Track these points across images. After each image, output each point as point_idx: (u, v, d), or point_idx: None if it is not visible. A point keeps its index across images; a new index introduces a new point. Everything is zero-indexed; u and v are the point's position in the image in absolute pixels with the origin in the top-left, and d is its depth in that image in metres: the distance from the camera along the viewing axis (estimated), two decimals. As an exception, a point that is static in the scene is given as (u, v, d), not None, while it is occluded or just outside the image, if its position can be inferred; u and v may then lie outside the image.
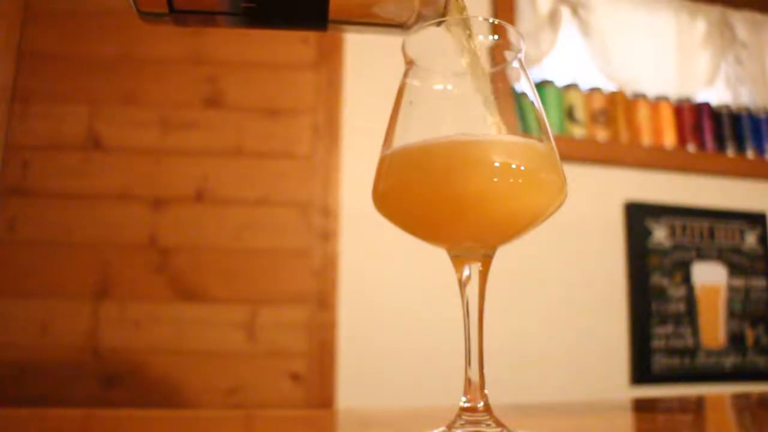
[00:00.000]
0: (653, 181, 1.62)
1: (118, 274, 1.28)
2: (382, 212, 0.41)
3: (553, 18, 1.67)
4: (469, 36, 0.39)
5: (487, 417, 0.37)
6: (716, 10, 1.84)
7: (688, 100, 1.75)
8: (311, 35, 1.43)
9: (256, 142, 1.36)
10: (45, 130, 1.32)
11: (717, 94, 1.84)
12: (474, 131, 0.37)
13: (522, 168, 0.36)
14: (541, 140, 0.39)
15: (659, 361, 1.52)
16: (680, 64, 1.79)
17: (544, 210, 0.38)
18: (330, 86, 1.41)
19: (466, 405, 0.37)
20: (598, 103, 1.65)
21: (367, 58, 1.44)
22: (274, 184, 1.35)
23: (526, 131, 0.39)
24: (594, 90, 1.67)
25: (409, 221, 0.41)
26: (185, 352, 1.26)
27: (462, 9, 0.39)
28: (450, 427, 0.36)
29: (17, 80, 1.33)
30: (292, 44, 1.43)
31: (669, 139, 1.69)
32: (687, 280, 1.59)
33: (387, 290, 1.37)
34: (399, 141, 0.39)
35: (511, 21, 1.56)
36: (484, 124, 0.38)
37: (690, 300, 1.58)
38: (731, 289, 1.62)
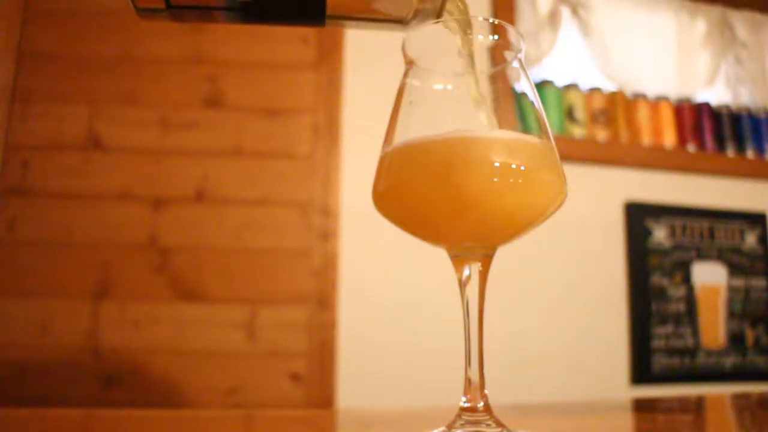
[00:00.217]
0: (653, 181, 1.62)
1: (118, 274, 1.28)
2: (382, 212, 0.41)
3: (553, 18, 1.67)
4: (467, 33, 0.39)
5: (487, 417, 0.37)
6: (716, 10, 1.84)
7: (688, 100, 1.75)
8: (311, 34, 1.43)
9: (256, 142, 1.36)
10: (45, 130, 1.32)
11: (717, 94, 1.84)
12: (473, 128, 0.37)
13: (522, 168, 0.36)
14: (540, 138, 0.39)
15: (659, 361, 1.52)
16: (680, 64, 1.79)
17: (544, 210, 0.38)
18: (330, 86, 1.41)
19: (466, 405, 0.37)
20: (598, 103, 1.65)
21: (367, 58, 1.44)
22: (274, 184, 1.35)
23: (526, 131, 0.39)
24: (594, 90, 1.67)
25: (408, 221, 0.41)
26: (185, 352, 1.26)
27: (460, 6, 0.39)
28: (450, 427, 0.36)
29: (17, 80, 1.33)
30: (292, 44, 1.43)
31: (669, 139, 1.69)
32: (687, 280, 1.59)
33: (387, 290, 1.37)
34: (399, 141, 0.39)
35: (511, 21, 1.56)
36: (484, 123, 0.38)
37: (690, 300, 1.58)
38: (731, 289, 1.62)
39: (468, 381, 0.38)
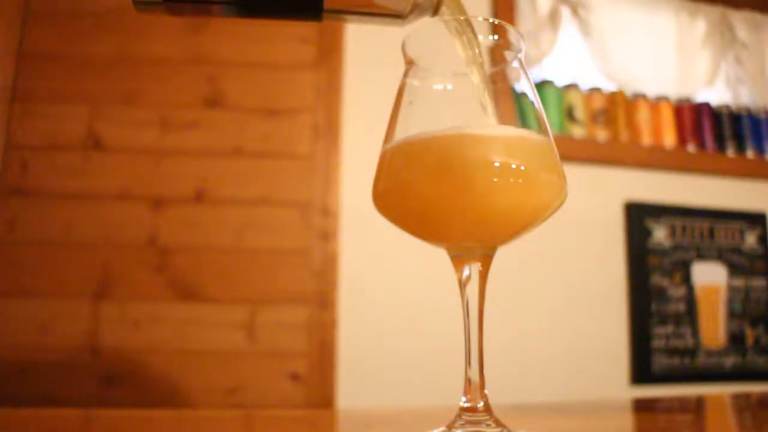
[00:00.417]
0: (653, 181, 1.62)
1: (118, 274, 1.28)
2: (382, 212, 0.41)
3: (553, 18, 1.67)
4: (467, 31, 0.39)
5: (487, 417, 0.37)
6: (716, 10, 1.84)
7: (688, 100, 1.75)
8: (311, 35, 1.43)
9: (256, 142, 1.36)
10: (45, 130, 1.32)
11: (717, 94, 1.84)
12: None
13: (522, 168, 0.36)
14: (540, 137, 0.39)
15: (659, 361, 1.52)
16: (680, 64, 1.79)
17: (544, 210, 0.38)
18: (330, 86, 1.41)
19: (466, 405, 0.37)
20: (598, 103, 1.65)
21: (367, 58, 1.44)
22: (274, 184, 1.35)
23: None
24: (594, 90, 1.67)
25: (408, 221, 0.41)
26: (185, 352, 1.26)
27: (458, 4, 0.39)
28: (450, 427, 0.36)
29: (17, 80, 1.33)
30: (292, 44, 1.43)
31: (669, 139, 1.69)
32: (687, 280, 1.59)
33: (387, 290, 1.37)
34: (399, 139, 0.39)
35: (511, 21, 1.56)
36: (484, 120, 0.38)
37: (690, 300, 1.58)
38: (731, 289, 1.62)
39: (468, 381, 0.38)
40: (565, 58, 1.71)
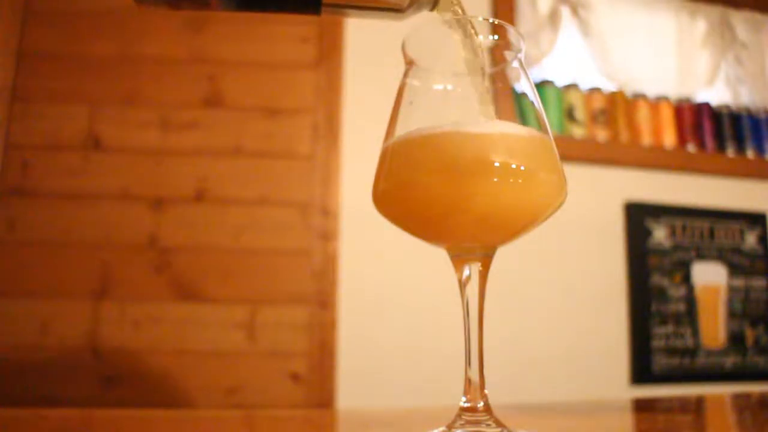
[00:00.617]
0: (653, 181, 1.62)
1: (118, 274, 1.28)
2: (382, 212, 0.41)
3: (553, 18, 1.67)
4: (466, 26, 0.38)
5: (487, 417, 0.37)
6: (716, 10, 1.84)
7: (688, 100, 1.75)
8: (311, 34, 1.43)
9: (256, 142, 1.36)
10: (45, 130, 1.32)
11: (717, 94, 1.84)
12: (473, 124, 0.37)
13: (522, 168, 0.36)
14: (540, 136, 0.39)
15: (659, 361, 1.52)
16: (680, 64, 1.79)
17: (544, 210, 0.38)
18: (330, 86, 1.41)
19: (466, 405, 0.37)
20: (598, 103, 1.65)
21: (367, 58, 1.44)
22: (274, 184, 1.35)
23: (526, 131, 0.39)
24: (594, 90, 1.67)
25: (408, 221, 0.41)
26: (185, 352, 1.26)
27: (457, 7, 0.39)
28: (450, 427, 0.36)
29: (17, 80, 1.33)
30: (292, 44, 1.43)
31: (669, 139, 1.69)
32: (687, 280, 1.59)
33: (387, 290, 1.37)
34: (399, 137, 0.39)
35: (511, 21, 1.56)
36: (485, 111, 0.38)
37: (690, 300, 1.58)
38: (731, 289, 1.62)
39: (468, 381, 0.38)
40: (565, 58, 1.70)
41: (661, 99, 1.72)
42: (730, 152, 1.73)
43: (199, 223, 1.32)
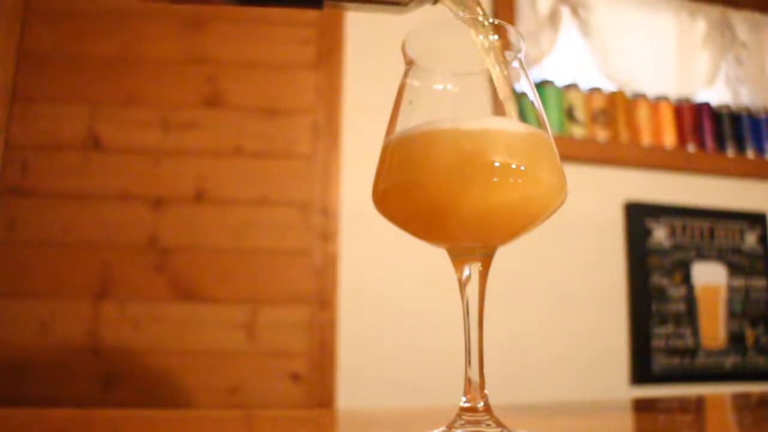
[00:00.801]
0: (653, 181, 1.62)
1: (118, 274, 1.28)
2: (382, 212, 0.41)
3: (553, 18, 1.67)
4: (474, 10, 0.38)
5: (487, 417, 0.37)
6: (716, 10, 1.84)
7: (688, 100, 1.75)
8: (311, 35, 1.43)
9: (256, 142, 1.36)
10: (45, 130, 1.32)
11: (717, 94, 1.84)
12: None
13: (522, 168, 0.36)
14: (540, 135, 0.39)
15: (659, 361, 1.52)
16: (680, 64, 1.79)
17: (544, 210, 0.38)
18: (330, 86, 1.41)
19: (466, 405, 0.37)
20: (598, 103, 1.65)
21: (367, 58, 1.44)
22: (274, 184, 1.35)
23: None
24: (594, 90, 1.67)
25: (409, 221, 0.41)
26: (185, 352, 1.26)
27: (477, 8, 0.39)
28: (450, 427, 0.36)
29: (17, 80, 1.33)
30: (292, 44, 1.43)
31: (669, 139, 1.69)
32: (687, 280, 1.59)
33: (387, 290, 1.37)
34: (398, 136, 0.39)
35: (511, 21, 1.56)
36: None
37: (690, 300, 1.58)
38: (731, 289, 1.62)
39: (468, 381, 0.38)
40: (565, 58, 1.71)
41: (661, 99, 1.72)
42: (730, 152, 1.73)
43: (199, 223, 1.32)
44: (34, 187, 1.30)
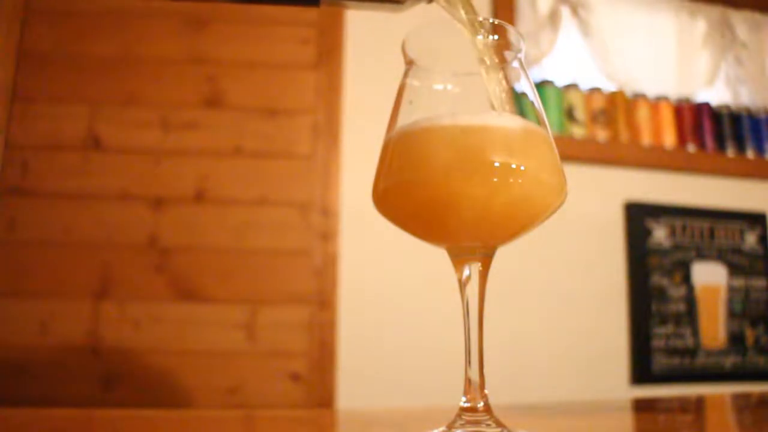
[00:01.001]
0: (653, 181, 1.62)
1: (118, 274, 1.28)
2: (382, 212, 0.41)
3: (553, 18, 1.67)
4: (468, 11, 0.38)
5: (487, 417, 0.37)
6: (716, 10, 1.84)
7: (688, 100, 1.75)
8: (311, 35, 1.43)
9: (256, 142, 1.36)
10: (45, 130, 1.32)
11: (717, 94, 1.84)
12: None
13: (522, 168, 0.36)
14: (540, 134, 0.39)
15: (659, 361, 1.52)
16: (680, 64, 1.79)
17: (544, 210, 0.38)
18: (330, 86, 1.41)
19: (466, 405, 0.37)
20: (598, 103, 1.65)
21: (367, 58, 1.44)
22: (274, 184, 1.35)
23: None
24: (594, 90, 1.67)
25: (409, 221, 0.41)
26: (185, 352, 1.26)
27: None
28: (450, 427, 0.36)
29: (17, 80, 1.33)
30: (292, 44, 1.43)
31: (669, 139, 1.69)
32: (687, 280, 1.59)
33: (387, 290, 1.37)
34: (398, 135, 0.39)
35: (511, 21, 1.56)
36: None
37: (690, 300, 1.58)
38: (731, 289, 1.62)
39: (468, 381, 0.38)
40: (565, 58, 1.71)
41: (661, 99, 1.72)
42: (730, 152, 1.73)
43: (199, 223, 1.32)
44: (34, 187, 1.30)
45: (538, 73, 1.65)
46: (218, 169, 1.34)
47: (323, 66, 1.42)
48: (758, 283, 1.65)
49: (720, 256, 1.63)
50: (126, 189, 1.31)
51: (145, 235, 1.30)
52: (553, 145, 0.39)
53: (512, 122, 0.38)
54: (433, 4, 0.40)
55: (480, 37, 0.39)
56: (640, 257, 1.56)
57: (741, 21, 1.87)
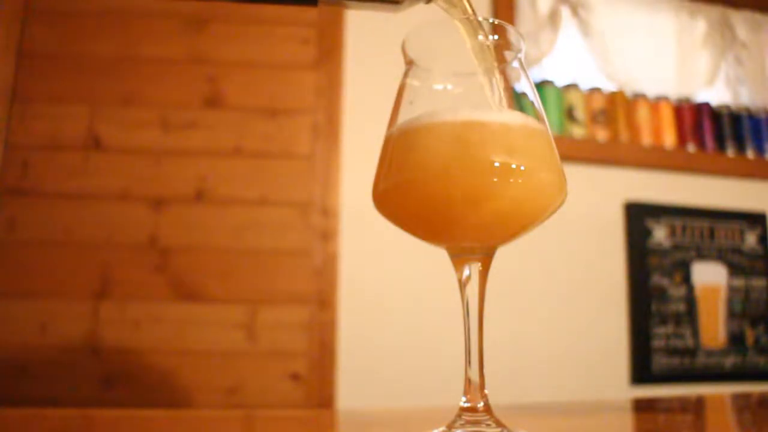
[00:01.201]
0: (653, 181, 1.62)
1: (118, 274, 1.28)
2: (382, 212, 0.41)
3: (553, 18, 1.67)
4: (466, 11, 0.38)
5: (487, 417, 0.37)
6: (716, 10, 1.84)
7: (688, 100, 1.75)
8: (311, 34, 1.43)
9: (256, 142, 1.36)
10: (45, 130, 1.32)
11: (717, 94, 1.84)
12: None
13: (522, 168, 0.36)
14: (540, 133, 0.39)
15: (659, 361, 1.52)
16: (680, 64, 1.79)
17: (544, 210, 0.38)
18: (330, 86, 1.41)
19: (466, 405, 0.37)
20: (598, 103, 1.65)
21: (367, 58, 1.44)
22: (274, 184, 1.35)
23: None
24: (594, 90, 1.67)
25: (409, 221, 0.41)
26: (185, 352, 1.26)
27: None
28: (450, 427, 0.36)
29: (17, 80, 1.33)
30: (292, 44, 1.43)
31: (669, 139, 1.69)
32: (687, 280, 1.59)
33: (387, 290, 1.37)
34: (399, 134, 0.39)
35: (511, 21, 1.56)
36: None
37: (690, 300, 1.58)
38: (731, 289, 1.62)
39: (468, 381, 0.38)
40: (565, 58, 1.70)
41: (661, 99, 1.72)
42: (730, 152, 1.73)
43: (199, 223, 1.32)
44: (34, 187, 1.30)
45: (538, 73, 1.65)
46: (218, 169, 1.34)
47: (323, 66, 1.42)
48: (758, 283, 1.65)
49: (720, 256, 1.63)
50: (126, 189, 1.31)
51: (145, 235, 1.30)
52: (553, 144, 0.39)
53: (513, 120, 0.38)
54: (432, 5, 0.40)
55: (480, 37, 0.39)
56: (640, 257, 1.56)
57: (741, 21, 1.87)
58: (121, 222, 1.30)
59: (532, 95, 0.40)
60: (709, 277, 1.61)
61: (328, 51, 1.43)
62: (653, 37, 1.79)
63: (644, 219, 1.58)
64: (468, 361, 0.38)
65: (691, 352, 1.56)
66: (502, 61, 0.40)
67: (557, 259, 1.50)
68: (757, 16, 1.88)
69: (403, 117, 0.40)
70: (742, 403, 0.70)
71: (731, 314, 1.61)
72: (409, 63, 0.41)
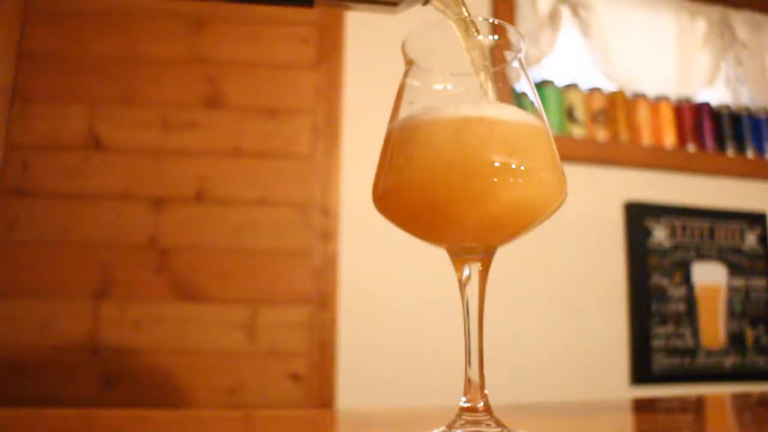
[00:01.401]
0: (653, 181, 1.62)
1: (118, 274, 1.28)
2: (382, 212, 0.41)
3: (553, 18, 1.67)
4: (466, 26, 0.38)
5: (487, 417, 0.37)
6: (716, 10, 1.84)
7: (688, 100, 1.75)
8: (311, 34, 1.43)
9: (256, 142, 1.36)
10: (45, 130, 1.32)
11: (717, 94, 1.84)
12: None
13: (522, 168, 0.36)
14: (540, 133, 0.39)
15: (659, 361, 1.52)
16: (680, 64, 1.79)
17: (544, 210, 0.38)
18: (330, 86, 1.41)
19: (466, 405, 0.37)
20: (598, 103, 1.65)
21: (367, 58, 1.44)
22: (274, 184, 1.35)
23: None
24: (594, 90, 1.67)
25: (409, 221, 0.41)
26: (185, 352, 1.26)
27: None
28: (450, 427, 0.36)
29: (17, 80, 1.33)
30: (292, 44, 1.43)
31: (669, 139, 1.69)
32: (687, 280, 1.59)
33: (387, 290, 1.37)
34: (398, 134, 0.39)
35: (511, 21, 1.56)
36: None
37: (690, 300, 1.58)
38: (731, 289, 1.62)
39: (468, 381, 0.38)
40: (565, 58, 1.70)
41: (661, 99, 1.72)
42: (730, 152, 1.73)
43: (199, 223, 1.32)
44: (34, 187, 1.30)
45: (538, 73, 1.65)
46: (218, 169, 1.34)
47: (323, 66, 1.42)
48: (758, 283, 1.65)
49: (720, 256, 1.63)
50: (126, 189, 1.31)
51: (145, 235, 1.30)
52: (554, 144, 0.39)
53: (513, 117, 0.38)
54: (429, 6, 0.40)
55: (480, 37, 0.39)
56: (640, 257, 1.56)
57: (741, 21, 1.87)
58: (121, 222, 1.30)
59: (532, 95, 0.40)
60: (709, 277, 1.61)
61: (328, 51, 1.43)
62: (653, 37, 1.79)
63: (644, 219, 1.58)
64: (468, 361, 0.38)
65: (691, 352, 1.56)
66: (502, 61, 0.40)
67: (557, 259, 1.50)
68: (757, 16, 1.88)
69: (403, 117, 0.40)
70: (742, 403, 0.70)
71: (731, 314, 1.61)
72: (409, 63, 0.41)
